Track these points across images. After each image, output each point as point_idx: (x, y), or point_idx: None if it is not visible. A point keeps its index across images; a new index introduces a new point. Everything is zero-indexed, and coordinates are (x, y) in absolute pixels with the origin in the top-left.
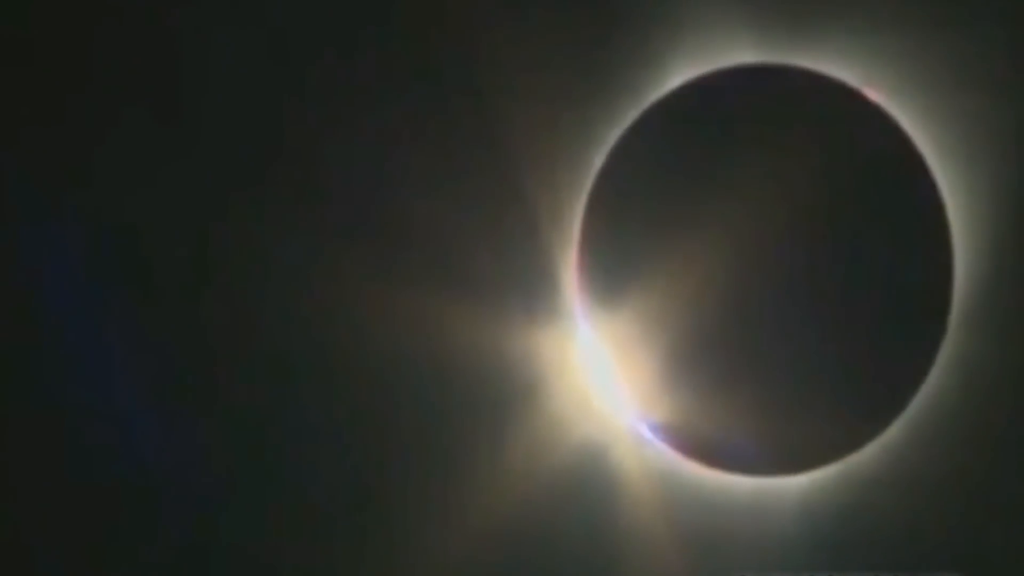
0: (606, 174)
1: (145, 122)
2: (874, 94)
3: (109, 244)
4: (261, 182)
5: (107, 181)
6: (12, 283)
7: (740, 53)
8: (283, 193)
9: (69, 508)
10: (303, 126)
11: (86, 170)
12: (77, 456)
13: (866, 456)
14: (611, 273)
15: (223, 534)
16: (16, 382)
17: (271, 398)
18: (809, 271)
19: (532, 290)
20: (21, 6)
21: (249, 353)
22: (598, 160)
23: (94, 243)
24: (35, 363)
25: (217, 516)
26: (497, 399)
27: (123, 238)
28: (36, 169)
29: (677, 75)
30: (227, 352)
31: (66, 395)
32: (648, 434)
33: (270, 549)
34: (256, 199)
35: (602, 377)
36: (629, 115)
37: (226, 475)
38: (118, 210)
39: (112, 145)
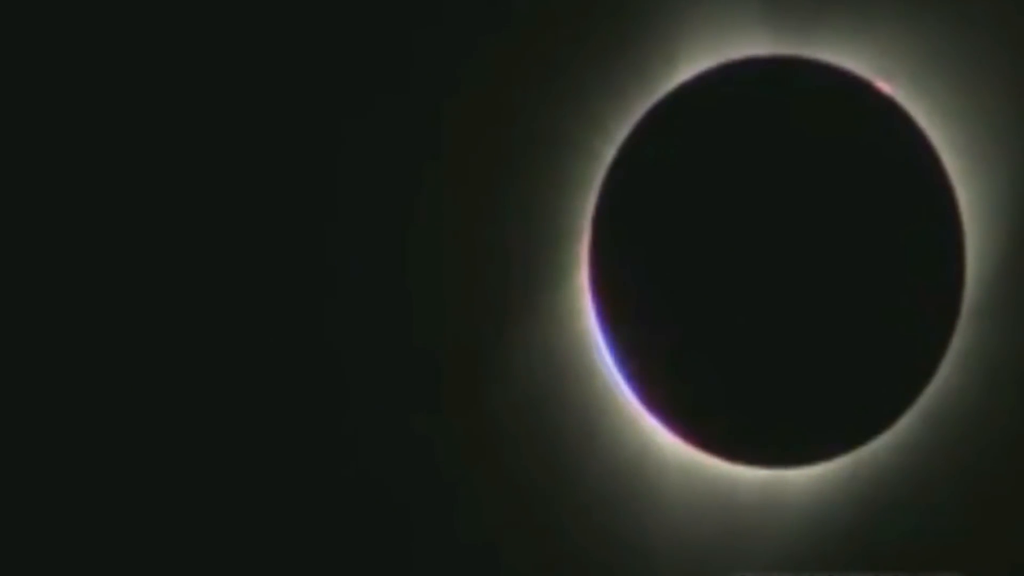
0: (616, 167)
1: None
2: (886, 86)
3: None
4: (265, 180)
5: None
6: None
7: (751, 45)
8: (286, 189)
9: None
10: (306, 119)
11: None
12: None
13: (875, 450)
14: (622, 266)
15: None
16: None
17: (276, 394)
18: (820, 262)
19: (541, 284)
20: None
21: (252, 350)
22: (608, 152)
23: None
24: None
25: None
26: (503, 394)
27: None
28: None
29: (688, 67)
30: (232, 350)
31: None
32: (656, 425)
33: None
34: (260, 197)
35: (612, 371)
36: (640, 108)
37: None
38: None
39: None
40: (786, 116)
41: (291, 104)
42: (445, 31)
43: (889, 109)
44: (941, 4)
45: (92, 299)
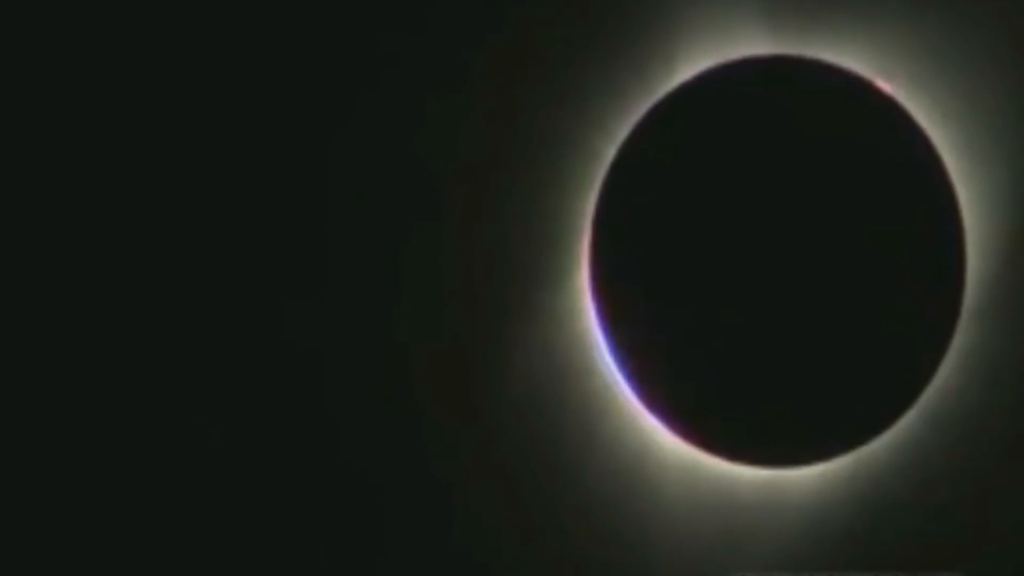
0: (617, 167)
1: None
2: (886, 86)
3: None
4: (264, 180)
5: None
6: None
7: (751, 45)
8: (285, 190)
9: None
10: (306, 119)
11: None
12: None
13: (875, 450)
14: (621, 266)
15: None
16: None
17: (275, 395)
18: (820, 262)
19: (541, 284)
20: None
21: (249, 351)
22: (609, 152)
23: None
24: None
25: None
26: (503, 394)
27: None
28: None
29: (688, 67)
30: (228, 350)
31: None
32: (656, 425)
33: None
34: (259, 198)
35: (612, 371)
36: (640, 107)
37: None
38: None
39: None
40: (786, 116)
41: (291, 105)
42: (445, 31)
43: (889, 109)
44: (941, 4)
45: (85, 291)
